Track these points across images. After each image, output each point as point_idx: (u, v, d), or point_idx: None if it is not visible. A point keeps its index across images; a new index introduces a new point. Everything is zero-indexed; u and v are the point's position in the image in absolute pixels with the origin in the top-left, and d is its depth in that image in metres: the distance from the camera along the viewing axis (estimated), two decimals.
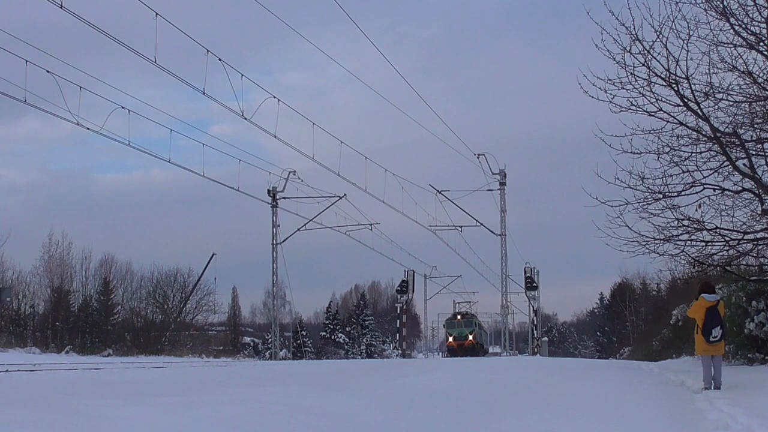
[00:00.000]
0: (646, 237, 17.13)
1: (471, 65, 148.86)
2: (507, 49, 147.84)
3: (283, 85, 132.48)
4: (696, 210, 16.46)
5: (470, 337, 56.58)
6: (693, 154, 16.25)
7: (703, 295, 12.78)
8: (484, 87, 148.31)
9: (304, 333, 74.91)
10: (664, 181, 16.27)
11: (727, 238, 17.13)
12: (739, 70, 15.35)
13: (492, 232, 48.76)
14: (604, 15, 14.97)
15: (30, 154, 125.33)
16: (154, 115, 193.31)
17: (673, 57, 14.85)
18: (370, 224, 46.37)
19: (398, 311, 59.73)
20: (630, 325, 76.19)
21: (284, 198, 46.02)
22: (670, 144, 16.09)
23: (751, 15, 14.77)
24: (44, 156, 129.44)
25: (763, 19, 14.69)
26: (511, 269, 51.19)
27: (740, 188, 16.51)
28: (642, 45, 15.03)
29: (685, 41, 14.69)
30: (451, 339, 57.58)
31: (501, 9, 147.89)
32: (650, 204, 16.57)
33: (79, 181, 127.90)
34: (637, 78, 15.34)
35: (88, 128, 26.28)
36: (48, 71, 24.22)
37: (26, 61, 23.08)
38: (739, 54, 15.17)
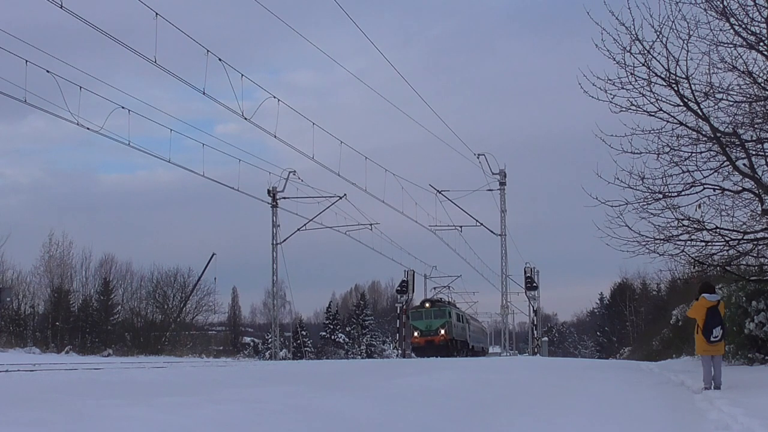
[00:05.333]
0: (646, 237, 17.16)
1: (476, 64, 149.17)
2: (512, 48, 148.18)
3: (290, 85, 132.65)
4: (696, 210, 16.47)
5: (442, 332, 45.70)
6: (693, 154, 16.27)
7: (704, 295, 12.79)
8: (487, 86, 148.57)
9: (304, 333, 74.99)
10: (664, 181, 16.30)
11: (727, 238, 17.13)
12: (739, 70, 15.35)
13: (492, 232, 48.72)
14: (605, 15, 15.00)
15: (34, 153, 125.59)
16: (155, 115, 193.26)
17: (673, 57, 14.87)
18: (370, 224, 46.33)
19: (398, 311, 59.56)
20: (630, 325, 76.27)
21: (284, 198, 46.06)
22: (670, 144, 16.11)
23: (751, 15, 14.79)
24: (48, 155, 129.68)
25: (763, 19, 14.69)
26: (511, 269, 51.10)
27: (740, 188, 16.51)
28: (642, 45, 15.05)
29: (685, 41, 14.72)
30: (416, 334, 46.84)
31: (508, 8, 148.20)
32: (650, 204, 16.59)
33: (82, 180, 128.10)
34: (637, 78, 15.37)
35: (88, 128, 26.27)
36: (48, 71, 24.24)
37: (26, 61, 23.09)
38: (739, 54, 15.19)
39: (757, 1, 14.64)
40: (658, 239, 17.20)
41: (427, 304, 48.79)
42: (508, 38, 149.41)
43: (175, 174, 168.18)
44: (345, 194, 43.38)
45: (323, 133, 46.65)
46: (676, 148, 16.17)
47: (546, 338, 66.30)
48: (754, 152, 15.96)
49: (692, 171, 16.25)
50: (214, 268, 63.15)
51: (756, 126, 16.15)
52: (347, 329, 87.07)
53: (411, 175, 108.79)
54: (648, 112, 15.55)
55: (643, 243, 17.22)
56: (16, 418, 5.99)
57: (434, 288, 60.11)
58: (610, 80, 15.43)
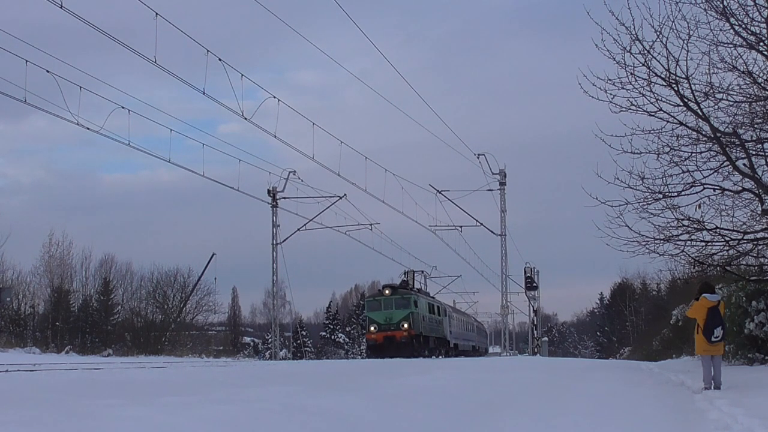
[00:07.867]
0: (646, 237, 17.16)
1: (477, 65, 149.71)
2: (513, 49, 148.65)
3: (294, 85, 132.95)
4: (696, 210, 16.47)
5: (404, 326, 36.45)
6: (693, 154, 16.27)
7: (705, 294, 12.79)
8: (488, 87, 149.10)
9: (304, 333, 75.04)
10: (664, 181, 16.30)
11: (727, 238, 17.13)
12: (739, 70, 15.35)
13: (492, 232, 48.68)
14: (605, 15, 15.01)
15: (36, 153, 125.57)
16: (156, 115, 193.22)
17: (673, 57, 14.88)
18: (370, 224, 46.23)
19: None
20: (630, 325, 76.30)
21: (284, 198, 46.03)
22: (670, 144, 16.11)
23: (751, 15, 14.79)
24: (50, 155, 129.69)
25: (763, 19, 14.70)
26: (511, 269, 51.04)
27: (740, 188, 16.52)
28: (642, 45, 15.05)
29: (685, 41, 14.72)
30: (372, 328, 37.51)
31: (512, 8, 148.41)
32: (650, 204, 16.60)
33: (84, 180, 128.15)
34: (637, 78, 15.37)
35: (88, 128, 26.26)
36: (48, 71, 24.23)
37: (26, 61, 23.08)
38: (739, 54, 15.20)
39: (757, 1, 14.64)
40: (658, 239, 17.22)
41: (387, 291, 38.27)
42: (509, 39, 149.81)
43: (175, 174, 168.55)
44: (345, 194, 43.28)
45: (323, 133, 46.69)
46: (676, 148, 16.19)
47: (546, 338, 66.32)
48: (754, 152, 15.96)
49: (692, 171, 16.28)
50: (214, 268, 63.21)
51: (756, 126, 16.16)
52: (347, 329, 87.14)
53: (411, 175, 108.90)
54: (648, 112, 15.57)
55: (643, 243, 17.24)
56: (16, 418, 5.99)
57: (405, 272, 47.79)
58: (610, 80, 15.45)
